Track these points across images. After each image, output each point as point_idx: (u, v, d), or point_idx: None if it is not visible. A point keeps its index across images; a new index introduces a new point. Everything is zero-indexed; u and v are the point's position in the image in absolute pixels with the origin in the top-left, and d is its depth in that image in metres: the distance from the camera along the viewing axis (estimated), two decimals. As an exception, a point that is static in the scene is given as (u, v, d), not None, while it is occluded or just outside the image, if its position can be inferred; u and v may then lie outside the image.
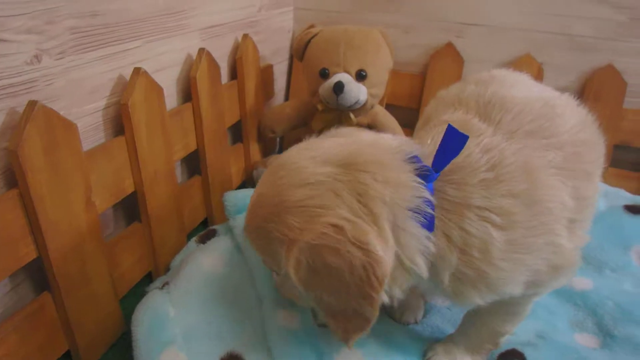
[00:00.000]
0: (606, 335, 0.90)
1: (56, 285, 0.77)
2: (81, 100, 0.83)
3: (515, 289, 0.67)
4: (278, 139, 1.69)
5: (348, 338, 0.63)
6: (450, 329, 0.91)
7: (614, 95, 1.43)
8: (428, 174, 0.62)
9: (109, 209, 0.98)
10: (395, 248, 0.60)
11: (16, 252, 0.71)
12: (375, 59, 1.30)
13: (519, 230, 0.64)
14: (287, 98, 1.78)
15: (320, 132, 0.74)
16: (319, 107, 1.31)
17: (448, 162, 0.63)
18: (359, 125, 1.34)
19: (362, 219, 0.59)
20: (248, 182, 1.46)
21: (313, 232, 0.58)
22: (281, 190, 0.62)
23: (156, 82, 0.94)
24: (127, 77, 0.91)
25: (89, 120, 0.85)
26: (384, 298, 0.61)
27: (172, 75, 1.08)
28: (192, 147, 1.15)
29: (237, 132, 1.42)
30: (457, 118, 0.75)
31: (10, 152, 0.67)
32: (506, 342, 0.85)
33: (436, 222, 0.62)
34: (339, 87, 1.22)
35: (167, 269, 1.05)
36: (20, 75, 0.71)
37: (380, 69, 1.31)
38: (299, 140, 0.71)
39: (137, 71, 0.89)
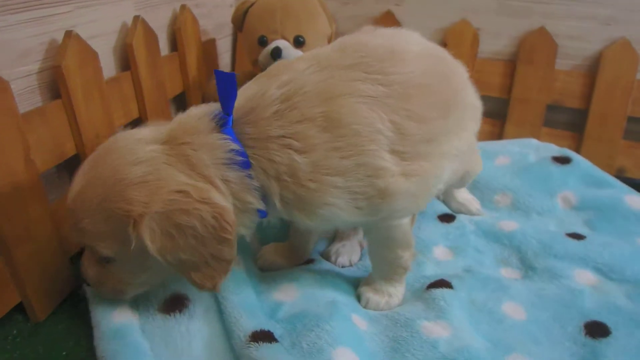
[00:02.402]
0: (528, 268, 0.98)
1: (2, 239, 0.79)
2: (12, 62, 0.84)
3: (340, 213, 0.72)
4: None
5: (215, 283, 0.70)
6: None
7: (546, 57, 1.48)
8: (225, 122, 0.70)
9: (53, 174, 1.00)
10: (230, 197, 0.70)
11: (-45, 206, 0.73)
12: (313, 25, 1.32)
13: (320, 151, 0.69)
14: (233, 73, 1.80)
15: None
16: (260, 75, 1.34)
17: (230, 103, 0.70)
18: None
19: (199, 182, 0.68)
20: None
21: (160, 202, 0.65)
22: (116, 171, 0.67)
23: (90, 46, 0.96)
24: (60, 42, 0.93)
25: (22, 83, 0.87)
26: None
27: (108, 43, 1.10)
28: (134, 114, 1.18)
29: (181, 104, 1.45)
30: (281, 63, 0.80)
31: (-60, 105, 0.69)
32: (434, 276, 0.92)
33: (251, 160, 0.70)
34: (276, 53, 1.24)
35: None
36: (-52, 35, 0.73)
37: (319, 35, 1.34)
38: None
39: (68, 34, 0.91)
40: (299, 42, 1.29)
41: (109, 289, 0.78)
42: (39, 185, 0.86)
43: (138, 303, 0.83)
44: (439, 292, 0.85)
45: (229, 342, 0.77)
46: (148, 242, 0.65)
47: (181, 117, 0.75)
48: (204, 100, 1.50)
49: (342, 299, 0.86)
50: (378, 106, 0.71)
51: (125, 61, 1.15)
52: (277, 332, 0.77)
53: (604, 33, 1.43)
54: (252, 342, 0.72)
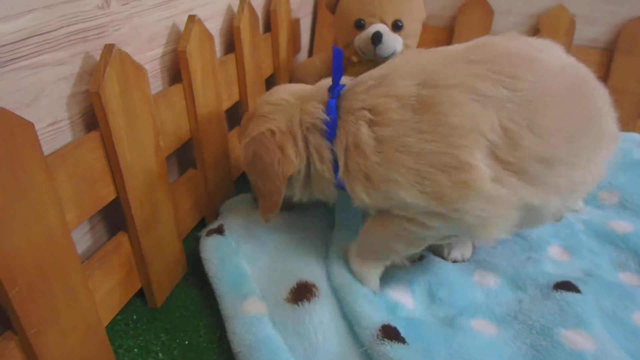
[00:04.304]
0: None
1: (133, 224, 0.80)
2: (142, 47, 0.84)
3: (402, 192, 0.70)
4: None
5: (263, 215, 0.88)
6: (499, 262, 0.94)
7: (647, 47, 1.41)
8: (332, 93, 0.81)
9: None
10: (305, 158, 0.83)
11: (97, 193, 0.74)
12: (410, 10, 1.29)
13: (397, 128, 0.70)
14: (310, 53, 1.78)
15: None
16: (354, 59, 1.31)
17: (337, 79, 0.81)
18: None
19: (290, 133, 0.82)
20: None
21: (256, 132, 0.84)
22: (259, 107, 0.89)
23: (207, 30, 0.95)
24: (179, 26, 0.93)
25: (149, 68, 0.87)
26: (305, 197, 0.90)
27: (216, 25, 1.09)
28: (236, 97, 1.17)
29: (270, 85, 1.44)
30: (413, 52, 0.91)
31: (92, 94, 0.69)
32: (557, 275, 0.89)
33: (337, 131, 0.78)
34: (377, 38, 1.22)
35: (217, 214, 1.08)
36: (92, 20, 0.72)
37: (415, 19, 1.32)
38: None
39: (191, 19, 0.90)
40: (397, 27, 1.26)
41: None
42: (164, 169, 0.86)
43: (265, 292, 0.83)
44: (571, 296, 0.81)
45: (354, 330, 0.77)
46: (242, 156, 0.87)
47: (320, 82, 0.89)
48: (292, 80, 1.48)
49: (458, 303, 0.85)
50: (493, 107, 0.68)
51: (228, 43, 1.14)
52: (402, 330, 0.75)
53: None
54: (385, 339, 0.71)
